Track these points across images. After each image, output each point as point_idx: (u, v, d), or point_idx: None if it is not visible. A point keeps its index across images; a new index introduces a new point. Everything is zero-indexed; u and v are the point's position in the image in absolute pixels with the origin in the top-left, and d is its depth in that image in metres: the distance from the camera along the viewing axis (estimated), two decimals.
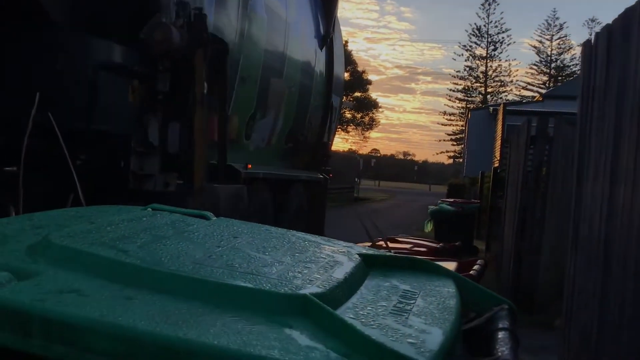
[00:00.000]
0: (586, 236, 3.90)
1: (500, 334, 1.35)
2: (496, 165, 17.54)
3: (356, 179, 33.79)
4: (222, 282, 1.18)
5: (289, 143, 8.61)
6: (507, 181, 9.93)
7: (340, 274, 1.36)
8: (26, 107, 2.68)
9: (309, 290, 1.19)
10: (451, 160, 69.95)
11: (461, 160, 47.50)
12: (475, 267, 4.98)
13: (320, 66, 9.54)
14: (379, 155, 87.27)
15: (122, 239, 1.37)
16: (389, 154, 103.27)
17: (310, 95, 9.09)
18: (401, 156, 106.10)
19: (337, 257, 1.52)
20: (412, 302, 1.33)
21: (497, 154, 21.46)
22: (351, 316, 1.18)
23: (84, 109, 4.48)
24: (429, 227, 13.44)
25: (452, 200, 14.80)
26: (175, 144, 5.08)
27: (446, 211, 12.91)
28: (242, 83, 6.60)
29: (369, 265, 1.53)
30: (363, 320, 1.17)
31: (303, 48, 8.79)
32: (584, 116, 4.21)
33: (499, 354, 1.24)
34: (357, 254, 1.57)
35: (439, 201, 14.34)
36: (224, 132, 5.67)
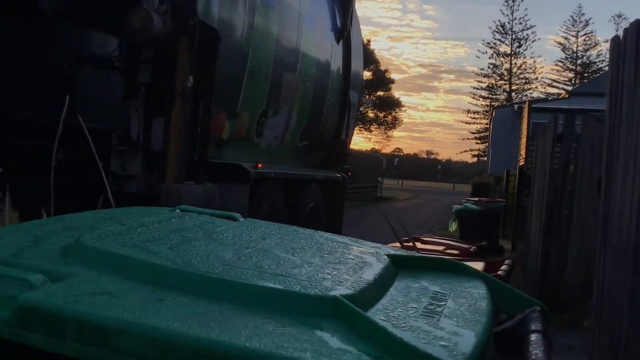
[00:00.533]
0: (615, 234, 3.84)
1: (533, 336, 1.33)
2: (522, 163, 17.34)
3: (379, 179, 33.68)
4: (252, 284, 1.18)
5: (303, 141, 8.32)
6: (533, 179, 9.81)
7: (369, 275, 1.35)
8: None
9: (339, 291, 1.19)
10: (475, 159, 69.47)
11: (485, 158, 47.07)
12: (503, 267, 4.94)
13: (337, 60, 9.18)
14: (402, 154, 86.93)
15: (152, 240, 1.38)
16: (412, 152, 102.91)
17: (326, 91, 8.76)
18: (424, 155, 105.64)
19: (366, 258, 1.51)
20: (442, 303, 1.32)
21: (523, 152, 21.22)
22: (382, 318, 1.17)
23: (58, 103, 4.29)
24: (453, 227, 13.35)
25: (476, 199, 14.67)
26: (158, 140, 4.73)
27: (471, 210, 12.81)
28: (252, 78, 6.32)
29: (397, 266, 1.52)
30: (394, 322, 1.16)
31: (318, 41, 8.46)
32: (612, 113, 4.14)
33: (532, 356, 1.22)
34: (386, 255, 1.56)
35: (464, 200, 14.23)
36: (207, 127, 5.32)
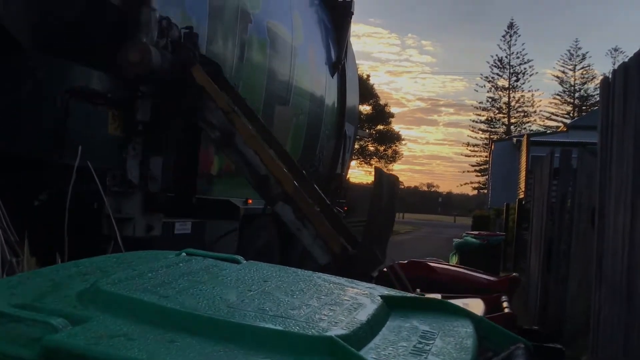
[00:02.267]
0: (609, 268, 3.92)
1: None
2: (521, 196, 17.46)
3: None
4: (254, 325, 1.28)
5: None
6: (532, 213, 9.91)
7: (363, 315, 1.46)
8: None
9: (334, 332, 1.29)
10: (476, 192, 69.64)
11: (486, 191, 47.19)
12: (505, 304, 4.96)
13: (331, 93, 9.14)
14: (402, 187, 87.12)
15: (162, 285, 1.49)
16: (412, 185, 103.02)
17: (320, 124, 8.68)
18: (425, 188, 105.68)
19: (360, 299, 1.62)
20: (431, 342, 1.42)
21: (522, 185, 21.35)
22: (374, 356, 1.27)
23: (49, 140, 3.92)
24: (454, 260, 13.39)
25: (477, 232, 14.74)
26: (157, 181, 4.51)
27: (471, 244, 12.87)
28: None
29: (390, 307, 1.62)
30: None
31: (312, 74, 8.43)
32: (603, 149, 4.27)
33: None
34: (379, 296, 1.67)
35: (464, 233, 14.30)
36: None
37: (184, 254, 1.89)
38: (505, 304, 5.08)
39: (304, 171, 5.27)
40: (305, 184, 5.04)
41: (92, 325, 1.23)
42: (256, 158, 4.65)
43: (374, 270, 4.79)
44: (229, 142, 4.66)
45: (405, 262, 6.74)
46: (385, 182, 4.99)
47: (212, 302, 1.42)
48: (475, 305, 4.06)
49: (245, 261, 1.90)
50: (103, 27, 4.35)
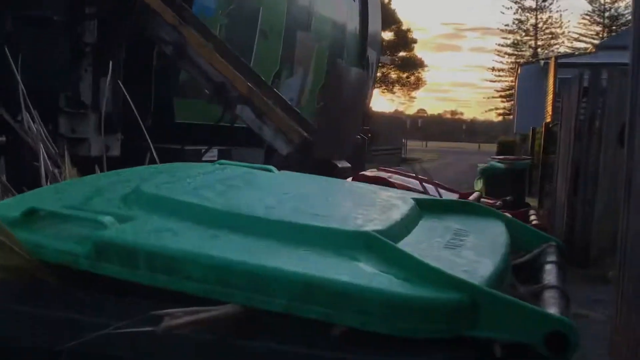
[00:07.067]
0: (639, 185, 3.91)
1: (548, 266, 1.46)
2: (548, 120, 17.21)
3: (403, 140, 33.60)
4: (294, 222, 1.33)
5: (320, 102, 7.91)
6: (559, 135, 9.78)
7: (396, 214, 1.49)
8: None
9: (371, 227, 1.33)
10: (501, 118, 68.68)
11: (511, 117, 46.52)
12: (533, 217, 4.99)
13: (353, 18, 9.04)
14: (425, 115, 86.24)
15: (201, 187, 1.54)
16: (436, 113, 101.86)
17: (343, 50, 8.60)
18: (449, 115, 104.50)
19: (393, 201, 1.66)
20: (464, 238, 1.46)
21: (549, 109, 21.00)
22: (409, 250, 1.31)
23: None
24: (479, 185, 13.38)
25: (502, 157, 14.65)
26: (108, 102, 4.47)
27: (496, 168, 12.82)
28: (263, 38, 6.16)
29: (422, 209, 1.66)
30: (419, 253, 1.30)
31: None
32: (635, 65, 4.16)
33: (546, 282, 1.36)
34: (412, 199, 1.70)
35: (489, 159, 14.21)
36: None
37: (217, 164, 1.93)
38: (533, 217, 5.11)
39: (260, 75, 5.20)
40: (262, 85, 5.09)
41: (137, 223, 1.29)
42: (210, 67, 4.68)
43: (334, 155, 4.88)
44: (182, 54, 4.71)
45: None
46: (344, 76, 5.01)
47: (250, 203, 1.46)
48: None
49: (277, 171, 1.94)
50: None
